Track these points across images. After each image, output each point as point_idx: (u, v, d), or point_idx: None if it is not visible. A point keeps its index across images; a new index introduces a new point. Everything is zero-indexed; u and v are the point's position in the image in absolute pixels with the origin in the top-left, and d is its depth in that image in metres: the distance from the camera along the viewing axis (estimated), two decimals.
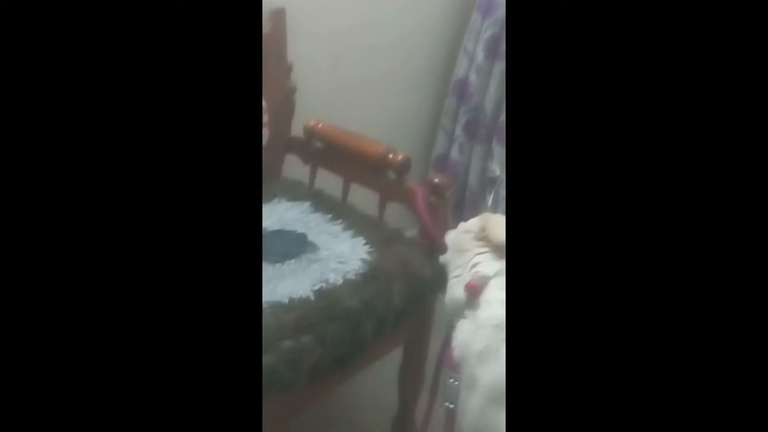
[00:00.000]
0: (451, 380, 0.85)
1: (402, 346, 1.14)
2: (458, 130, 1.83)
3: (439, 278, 1.02)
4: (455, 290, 0.91)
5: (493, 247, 0.89)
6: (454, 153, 1.87)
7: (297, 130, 1.33)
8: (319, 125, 1.27)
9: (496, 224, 0.91)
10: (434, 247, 1.04)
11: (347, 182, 1.25)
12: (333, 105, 1.51)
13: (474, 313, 0.86)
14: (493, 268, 0.87)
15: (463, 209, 1.85)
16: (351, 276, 0.96)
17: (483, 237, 0.91)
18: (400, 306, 1.00)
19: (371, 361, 1.01)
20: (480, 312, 0.85)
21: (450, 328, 0.91)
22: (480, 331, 0.83)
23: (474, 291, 0.86)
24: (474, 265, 0.89)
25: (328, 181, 1.28)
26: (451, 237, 0.96)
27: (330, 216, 1.14)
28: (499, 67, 1.72)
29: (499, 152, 1.74)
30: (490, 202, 1.80)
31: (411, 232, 1.21)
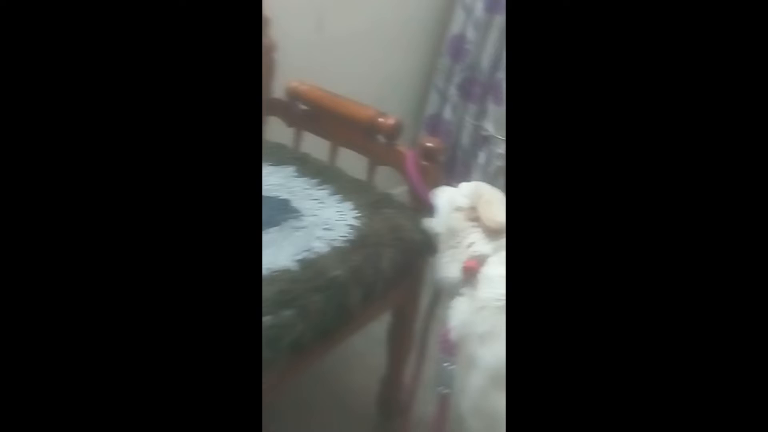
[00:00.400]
0: (446, 364, 0.84)
1: (391, 309, 1.12)
2: (452, 90, 1.79)
3: (430, 242, 0.99)
4: (450, 268, 0.89)
5: (486, 229, 0.87)
6: (447, 113, 1.82)
7: (279, 91, 1.27)
8: (303, 86, 1.21)
9: (489, 205, 0.88)
10: (425, 210, 1.01)
11: (334, 146, 1.21)
12: (317, 63, 1.44)
13: (473, 292, 0.84)
14: (490, 246, 0.86)
15: (455, 169, 1.82)
16: (338, 243, 0.92)
17: (475, 218, 0.89)
18: (389, 271, 0.97)
19: (359, 327, 0.99)
20: (481, 291, 0.83)
21: (443, 308, 0.89)
22: (482, 312, 0.81)
23: (472, 270, 0.85)
24: (469, 245, 0.87)
25: (314, 145, 1.24)
26: (442, 216, 0.93)
27: (316, 181, 1.09)
28: (499, 20, 1.65)
29: (494, 110, 1.70)
30: (481, 160, 1.79)
31: (401, 196, 1.18)
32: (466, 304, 0.84)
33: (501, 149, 1.71)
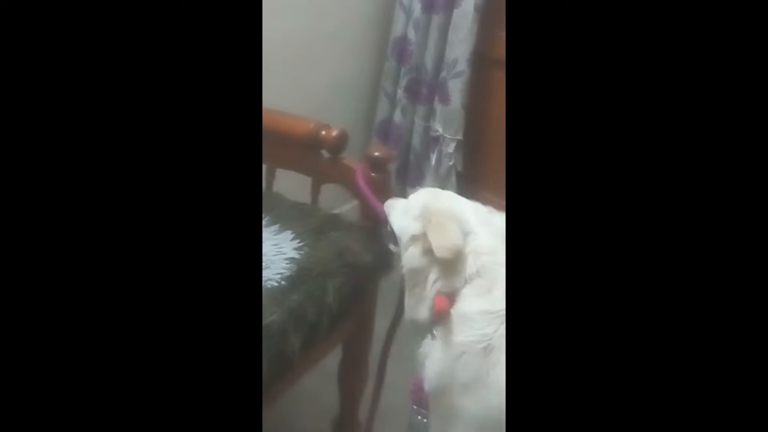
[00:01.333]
0: (419, 417, 0.76)
1: (342, 342, 1.05)
2: (400, 93, 1.73)
3: (383, 262, 0.92)
4: (417, 309, 0.78)
5: (442, 262, 0.76)
6: (397, 116, 1.77)
7: None
8: None
9: (438, 230, 0.77)
10: (376, 227, 0.93)
11: (271, 169, 1.13)
12: None
13: (448, 336, 0.73)
14: (460, 277, 0.75)
15: (407, 173, 1.77)
16: (273, 283, 0.86)
17: (428, 251, 0.77)
18: (336, 305, 0.91)
19: (304, 371, 0.92)
20: (458, 334, 0.73)
21: (412, 350, 0.79)
22: (462, 358, 0.72)
23: (442, 311, 0.74)
24: (435, 280, 0.76)
25: None
26: (401, 246, 0.82)
27: None
28: (437, 19, 1.62)
29: (441, 110, 1.66)
30: (433, 161, 1.74)
31: (350, 213, 1.12)
32: (442, 351, 0.75)
33: (450, 148, 1.67)
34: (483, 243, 0.77)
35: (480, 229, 0.78)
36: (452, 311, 0.75)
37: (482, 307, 0.73)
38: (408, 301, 0.80)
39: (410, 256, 0.79)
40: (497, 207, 0.86)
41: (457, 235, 0.76)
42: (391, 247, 0.88)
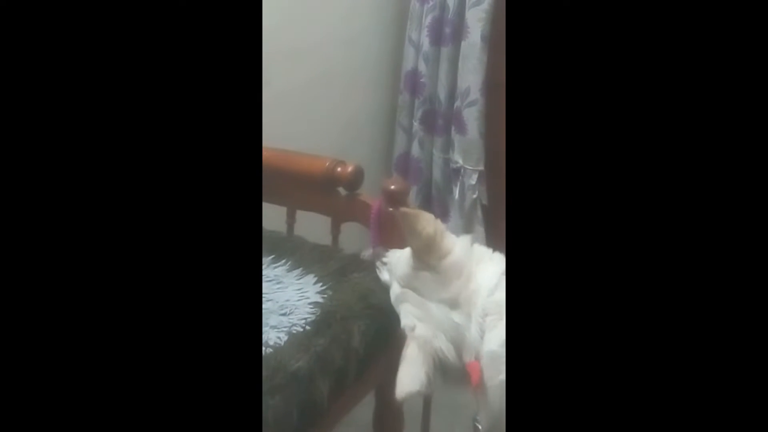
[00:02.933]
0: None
1: (374, 389, 1.00)
2: (416, 125, 1.73)
3: None
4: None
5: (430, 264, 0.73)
6: (415, 149, 1.76)
7: None
8: None
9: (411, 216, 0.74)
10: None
11: (291, 211, 1.12)
12: (267, 121, 1.36)
13: (487, 385, 0.69)
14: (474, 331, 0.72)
15: (431, 209, 1.74)
16: (298, 329, 0.83)
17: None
18: (362, 348, 0.87)
19: (335, 421, 0.87)
20: (493, 378, 0.69)
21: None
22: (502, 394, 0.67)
23: (477, 379, 0.69)
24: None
25: (268, 214, 1.15)
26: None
27: (271, 258, 1.00)
28: (446, 52, 1.63)
29: (459, 140, 1.64)
30: (456, 195, 1.70)
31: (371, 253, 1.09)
32: (490, 402, 0.70)
33: (473, 180, 1.63)
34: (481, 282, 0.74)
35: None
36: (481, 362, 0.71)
37: (503, 336, 0.70)
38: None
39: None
40: None
41: (431, 221, 0.75)
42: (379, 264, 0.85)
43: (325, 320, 0.86)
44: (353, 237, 1.13)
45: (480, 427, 0.72)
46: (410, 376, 0.70)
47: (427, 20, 1.63)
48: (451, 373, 0.73)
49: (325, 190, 1.08)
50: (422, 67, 1.67)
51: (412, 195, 1.70)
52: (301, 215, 1.13)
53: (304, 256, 1.01)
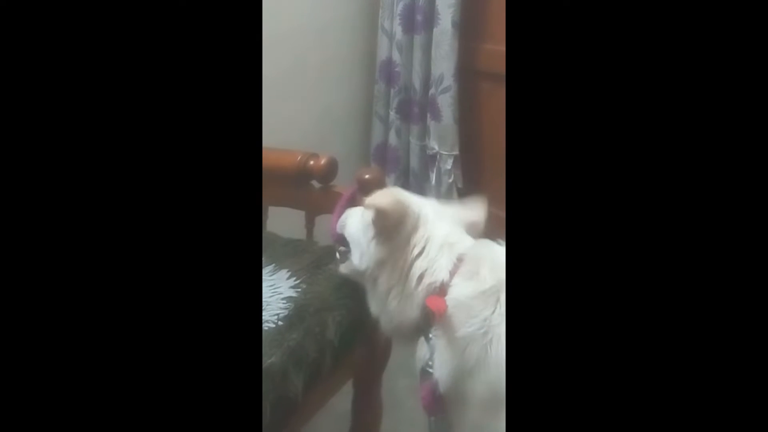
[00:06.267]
0: (440, 423, 0.73)
1: (351, 378, 1.00)
2: (392, 115, 1.73)
3: None
4: (403, 313, 0.76)
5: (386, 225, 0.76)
6: (392, 138, 1.76)
7: None
8: None
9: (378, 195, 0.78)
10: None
11: (263, 207, 1.12)
12: None
13: (450, 333, 0.71)
14: (444, 267, 0.74)
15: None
16: (270, 325, 0.83)
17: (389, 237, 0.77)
18: (337, 340, 0.88)
19: (310, 416, 0.88)
20: (459, 328, 0.70)
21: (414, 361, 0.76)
22: (468, 348, 0.70)
23: (440, 310, 0.70)
24: (421, 275, 0.75)
25: None
26: (360, 248, 0.81)
27: None
28: (419, 39, 1.63)
29: (435, 127, 1.65)
30: (433, 180, 1.71)
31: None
32: (447, 350, 0.72)
33: (448, 165, 1.65)
34: (446, 231, 0.78)
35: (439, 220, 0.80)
36: (448, 306, 0.72)
37: (475, 288, 0.72)
38: (387, 306, 0.78)
39: (372, 250, 0.79)
40: (497, 219, 0.83)
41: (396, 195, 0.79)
42: (339, 248, 0.86)
43: (299, 314, 0.86)
44: (329, 229, 1.13)
45: (432, 372, 0.73)
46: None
47: (399, 8, 1.62)
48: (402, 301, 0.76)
49: (298, 184, 1.07)
50: (396, 56, 1.67)
51: (390, 183, 1.70)
52: (274, 211, 1.13)
53: (277, 252, 1.01)
